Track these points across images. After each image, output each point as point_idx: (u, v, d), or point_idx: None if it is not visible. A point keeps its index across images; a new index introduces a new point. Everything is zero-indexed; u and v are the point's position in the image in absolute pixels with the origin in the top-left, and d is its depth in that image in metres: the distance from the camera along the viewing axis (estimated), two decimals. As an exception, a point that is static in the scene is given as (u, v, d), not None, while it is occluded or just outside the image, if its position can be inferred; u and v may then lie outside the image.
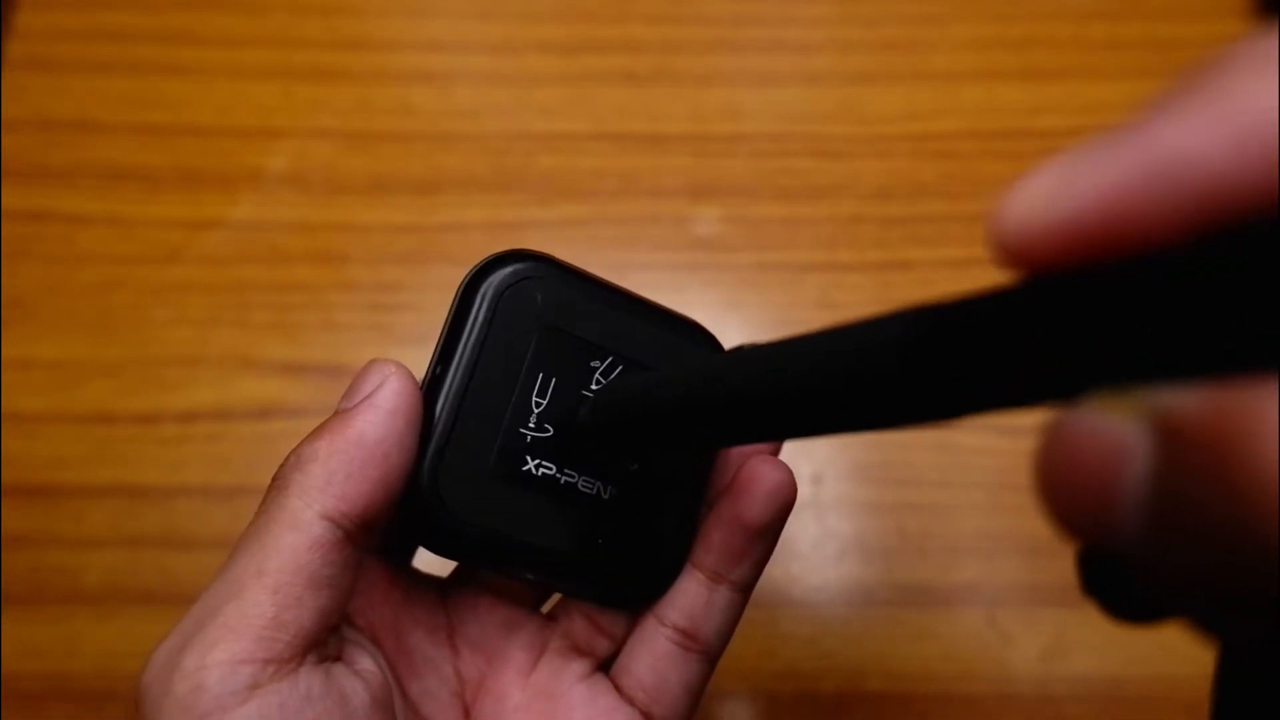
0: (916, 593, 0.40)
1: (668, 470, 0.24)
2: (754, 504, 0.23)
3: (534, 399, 0.23)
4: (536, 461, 0.23)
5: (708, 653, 0.24)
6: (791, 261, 0.46)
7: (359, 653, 0.22)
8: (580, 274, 0.24)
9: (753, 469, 0.23)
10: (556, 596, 0.26)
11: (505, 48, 0.50)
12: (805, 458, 0.42)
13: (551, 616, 0.26)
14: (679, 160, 0.48)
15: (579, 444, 0.23)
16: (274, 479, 0.21)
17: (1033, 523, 0.41)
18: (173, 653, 0.19)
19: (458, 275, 0.24)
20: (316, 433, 0.21)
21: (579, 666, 0.25)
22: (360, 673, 0.22)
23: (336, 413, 0.21)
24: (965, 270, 0.45)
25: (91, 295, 0.44)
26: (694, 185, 0.47)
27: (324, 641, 0.21)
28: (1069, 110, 0.49)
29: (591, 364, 0.23)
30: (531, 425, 0.23)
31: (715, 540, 0.23)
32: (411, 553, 0.26)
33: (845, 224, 0.46)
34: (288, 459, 0.21)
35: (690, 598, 0.24)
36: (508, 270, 0.23)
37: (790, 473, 0.23)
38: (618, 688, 0.24)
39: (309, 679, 0.20)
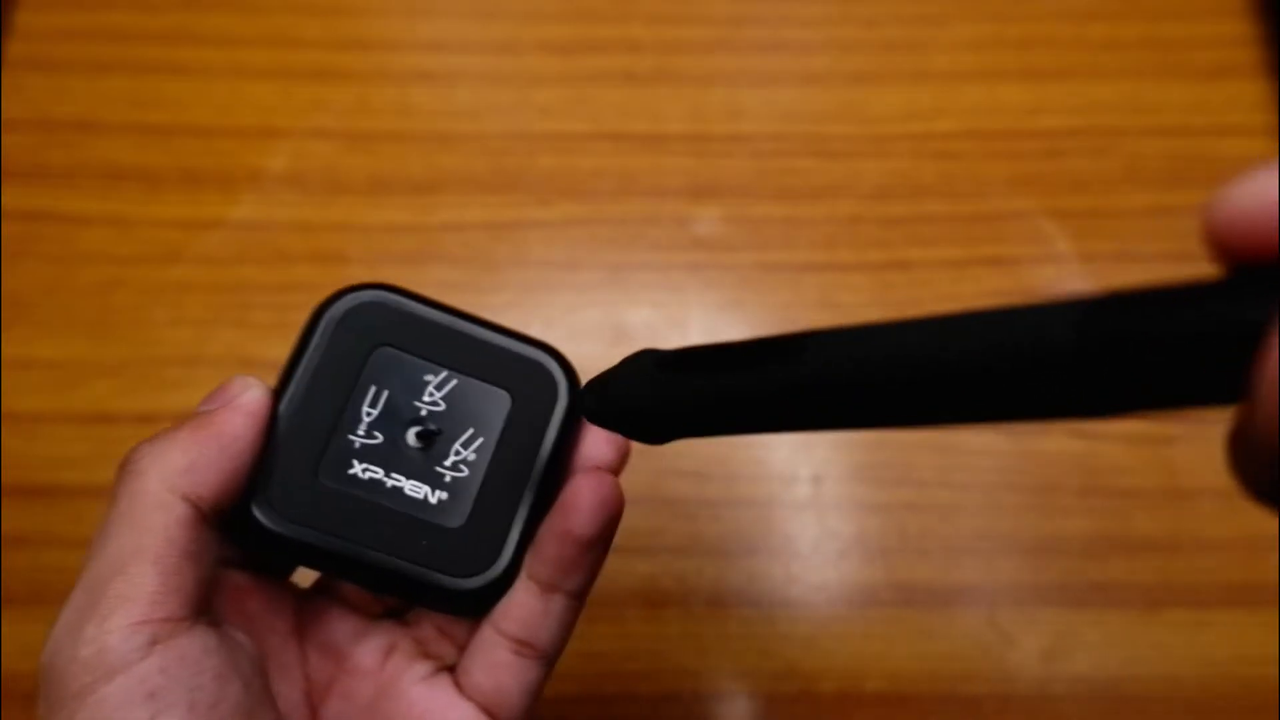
0: (916, 593, 0.40)
1: (501, 476, 0.25)
2: (581, 518, 0.23)
3: (365, 409, 0.25)
4: (363, 466, 0.24)
5: (545, 657, 0.25)
6: (791, 261, 0.46)
7: (233, 629, 0.24)
8: (425, 300, 0.26)
9: (578, 484, 0.24)
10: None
11: (505, 48, 0.50)
12: (805, 458, 0.42)
13: (405, 622, 0.27)
14: (679, 160, 0.48)
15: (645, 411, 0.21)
16: (124, 466, 0.23)
17: (1033, 523, 0.41)
18: (69, 628, 0.21)
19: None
20: (175, 426, 0.23)
21: (422, 668, 0.26)
22: (241, 642, 0.23)
23: (197, 414, 0.23)
24: (965, 270, 0.45)
25: (91, 295, 0.44)
26: (694, 185, 0.47)
27: (208, 610, 0.22)
28: (1069, 110, 0.49)
29: (425, 378, 0.25)
30: (360, 433, 0.24)
31: (548, 553, 0.24)
32: (280, 566, 0.27)
33: (845, 224, 0.46)
34: (139, 447, 0.23)
35: (525, 609, 0.24)
36: (347, 298, 0.25)
37: (615, 485, 0.24)
38: (458, 686, 0.25)
39: (205, 634, 0.22)
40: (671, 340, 0.44)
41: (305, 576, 0.27)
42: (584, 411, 0.23)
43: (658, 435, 0.21)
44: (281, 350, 0.24)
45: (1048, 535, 0.41)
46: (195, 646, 0.21)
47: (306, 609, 0.27)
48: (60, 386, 0.43)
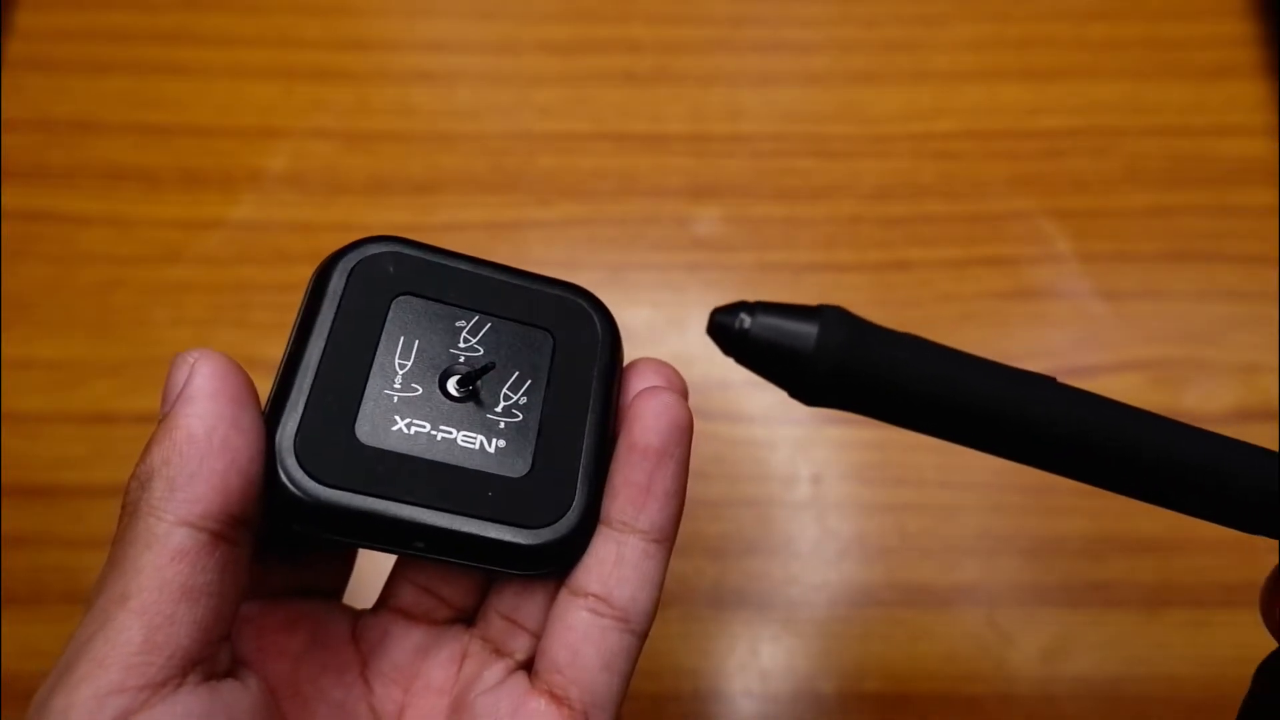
0: (916, 593, 0.40)
1: (558, 419, 0.23)
2: (644, 425, 0.22)
3: (397, 361, 0.23)
4: (408, 420, 0.22)
5: (626, 620, 0.22)
6: (791, 261, 0.46)
7: (247, 671, 0.22)
8: (440, 250, 0.24)
9: (638, 398, 0.22)
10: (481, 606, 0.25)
11: (505, 48, 0.50)
12: (805, 458, 0.42)
13: (470, 624, 0.25)
14: (679, 160, 0.48)
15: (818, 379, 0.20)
16: (122, 507, 0.20)
17: (1033, 523, 0.41)
18: (45, 694, 0.19)
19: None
20: (147, 448, 0.20)
21: (494, 673, 0.23)
22: (251, 687, 0.21)
23: (159, 421, 0.20)
24: (965, 270, 0.45)
25: (91, 295, 0.44)
26: (694, 185, 0.47)
27: (210, 657, 0.20)
28: (1069, 110, 0.49)
29: (457, 324, 0.23)
30: (397, 386, 0.22)
31: (615, 484, 0.22)
32: (329, 548, 0.25)
33: (845, 224, 0.46)
34: (129, 484, 0.20)
35: (598, 557, 0.22)
36: (358, 250, 0.24)
37: (679, 399, 0.22)
38: (537, 674, 0.23)
39: (189, 700, 0.19)
40: (671, 340, 0.44)
41: (360, 598, 0.25)
42: (727, 334, 0.20)
43: (826, 392, 0.19)
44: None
45: (1048, 535, 0.41)
46: (174, 718, 0.18)
47: (366, 633, 0.24)
48: (60, 386, 0.43)
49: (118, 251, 0.45)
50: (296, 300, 0.24)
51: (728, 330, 0.19)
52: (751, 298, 0.20)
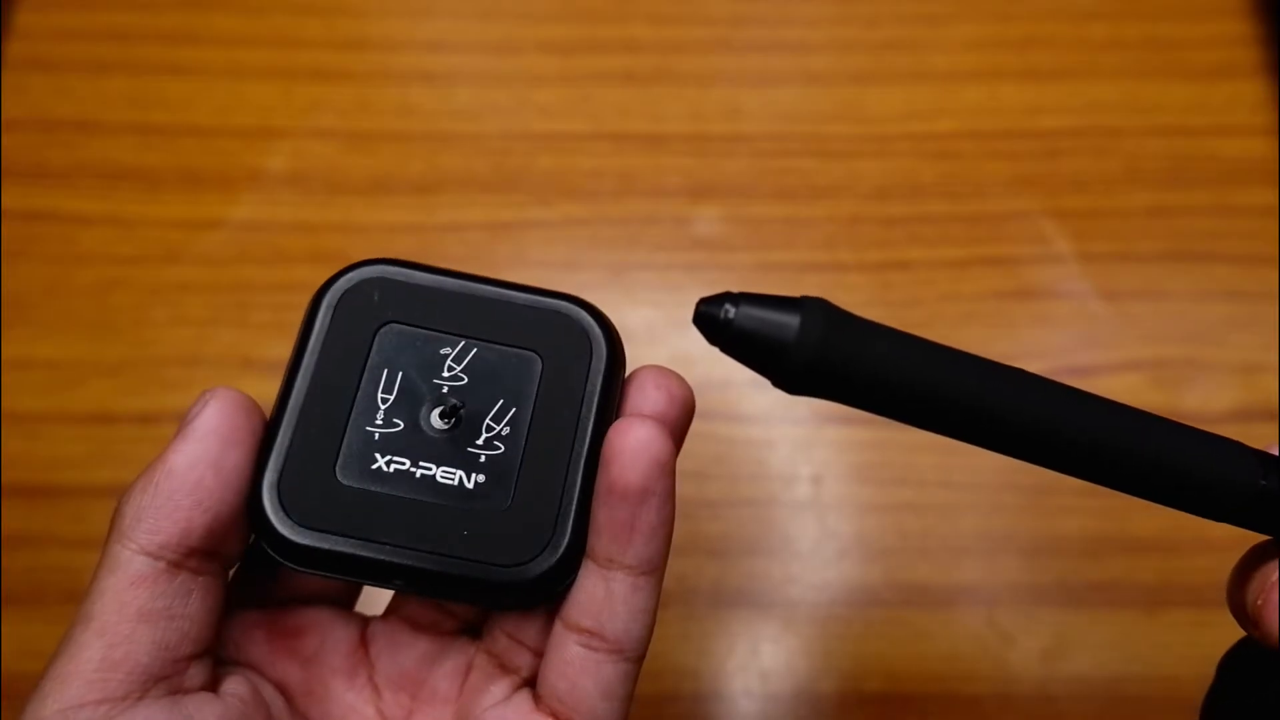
0: (916, 593, 0.40)
1: (544, 448, 0.23)
2: (619, 464, 0.21)
3: (379, 395, 0.23)
4: (387, 458, 0.22)
5: (621, 651, 0.22)
6: (791, 261, 0.46)
7: (236, 681, 0.22)
8: (430, 268, 0.24)
9: (613, 431, 0.21)
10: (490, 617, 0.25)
11: (505, 48, 0.50)
12: (805, 458, 0.42)
13: (476, 635, 0.25)
14: (679, 160, 0.48)
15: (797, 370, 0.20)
16: (109, 525, 0.21)
17: (1033, 523, 0.41)
18: (25, 708, 0.20)
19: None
20: (141, 473, 0.21)
21: (500, 688, 0.24)
22: (223, 696, 0.21)
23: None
24: (965, 270, 0.45)
25: (91, 295, 0.44)
26: (694, 185, 0.47)
27: (176, 674, 0.21)
28: (1069, 110, 0.49)
29: (441, 351, 0.23)
30: (379, 422, 0.22)
31: (597, 519, 0.22)
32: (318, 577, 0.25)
33: (845, 224, 0.46)
34: (119, 502, 0.21)
35: (584, 592, 0.22)
36: (344, 278, 0.23)
37: (656, 428, 0.21)
38: (540, 698, 0.23)
39: (147, 713, 0.20)
40: (671, 341, 0.44)
41: (375, 604, 0.26)
42: (712, 324, 0.20)
43: (806, 381, 0.20)
44: (281, 350, 0.23)
45: (1048, 535, 0.41)
46: None
47: (375, 639, 0.25)
48: (60, 386, 0.43)
49: (117, 251, 0.45)
50: (296, 300, 0.24)
51: (712, 320, 0.20)
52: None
